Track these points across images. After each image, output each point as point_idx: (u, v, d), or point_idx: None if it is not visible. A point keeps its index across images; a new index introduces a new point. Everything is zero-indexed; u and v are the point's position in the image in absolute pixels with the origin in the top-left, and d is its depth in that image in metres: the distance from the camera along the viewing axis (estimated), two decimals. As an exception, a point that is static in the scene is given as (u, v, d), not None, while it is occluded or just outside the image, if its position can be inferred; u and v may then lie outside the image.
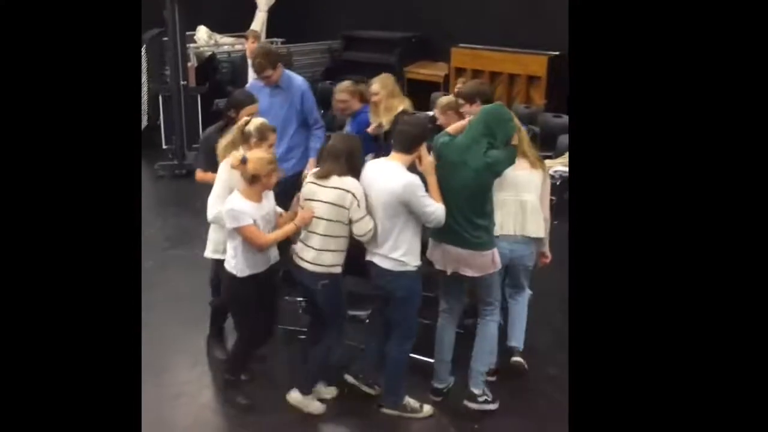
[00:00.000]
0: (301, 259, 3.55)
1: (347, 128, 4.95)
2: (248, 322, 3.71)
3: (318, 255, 3.49)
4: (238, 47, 9.58)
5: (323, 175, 3.48)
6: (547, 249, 4.01)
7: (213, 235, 3.89)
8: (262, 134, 3.67)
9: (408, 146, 3.46)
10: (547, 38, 8.46)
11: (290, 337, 4.33)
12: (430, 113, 4.73)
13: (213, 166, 3.94)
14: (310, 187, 3.54)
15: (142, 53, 8.53)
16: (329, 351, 3.70)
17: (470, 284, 3.75)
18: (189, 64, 8.32)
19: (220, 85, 8.90)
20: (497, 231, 3.69)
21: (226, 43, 9.82)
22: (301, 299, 4.02)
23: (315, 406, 3.74)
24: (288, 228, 3.53)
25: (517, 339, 4.11)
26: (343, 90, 4.89)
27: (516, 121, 3.72)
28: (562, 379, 3.86)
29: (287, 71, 4.79)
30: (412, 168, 3.52)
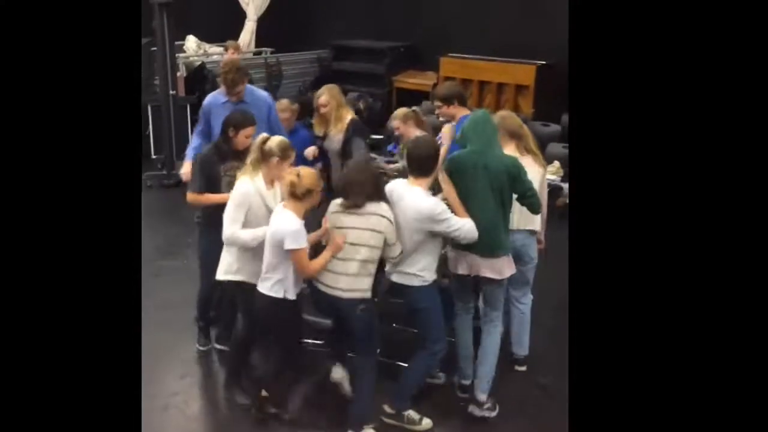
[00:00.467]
0: (332, 287, 3.49)
1: None
2: (294, 346, 3.71)
3: (354, 281, 3.46)
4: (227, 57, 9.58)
5: (353, 206, 3.47)
6: (542, 236, 4.13)
7: (226, 256, 3.74)
8: (284, 152, 3.62)
9: (425, 168, 3.51)
10: (535, 48, 8.53)
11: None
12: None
13: (212, 188, 3.90)
14: (338, 216, 3.52)
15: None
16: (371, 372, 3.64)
17: (484, 288, 3.79)
18: (178, 74, 8.32)
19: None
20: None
21: (215, 52, 9.82)
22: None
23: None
24: (327, 256, 3.46)
25: (522, 346, 4.14)
26: (284, 108, 5.02)
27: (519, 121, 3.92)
28: (560, 386, 3.89)
29: (248, 85, 4.70)
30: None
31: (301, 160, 4.47)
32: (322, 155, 4.91)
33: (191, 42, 9.85)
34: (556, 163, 6.94)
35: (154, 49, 8.02)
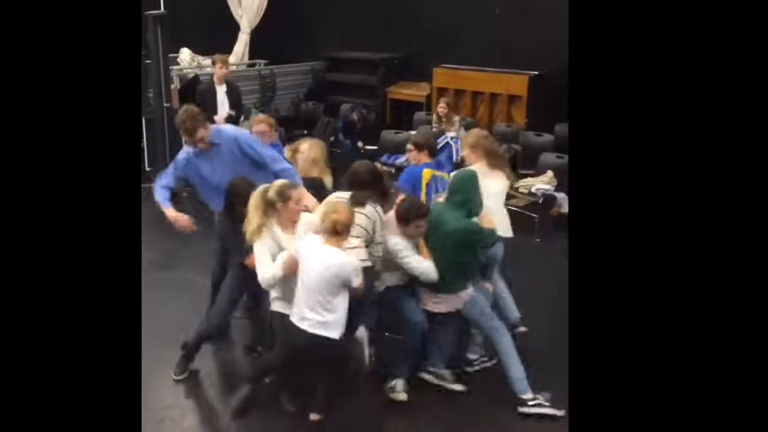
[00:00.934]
0: None
1: None
2: (345, 379, 3.71)
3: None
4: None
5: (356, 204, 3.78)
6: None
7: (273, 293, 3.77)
8: (281, 195, 3.63)
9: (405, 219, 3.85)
10: (528, 58, 8.59)
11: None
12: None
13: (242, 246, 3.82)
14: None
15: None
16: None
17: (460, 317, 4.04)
18: (172, 86, 8.32)
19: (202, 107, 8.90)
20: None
21: (209, 65, 9.84)
22: None
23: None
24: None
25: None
26: (260, 120, 5.10)
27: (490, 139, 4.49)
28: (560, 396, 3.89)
29: (213, 126, 4.56)
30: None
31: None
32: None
33: (185, 54, 9.88)
34: (550, 173, 6.95)
35: (149, 61, 8.03)
